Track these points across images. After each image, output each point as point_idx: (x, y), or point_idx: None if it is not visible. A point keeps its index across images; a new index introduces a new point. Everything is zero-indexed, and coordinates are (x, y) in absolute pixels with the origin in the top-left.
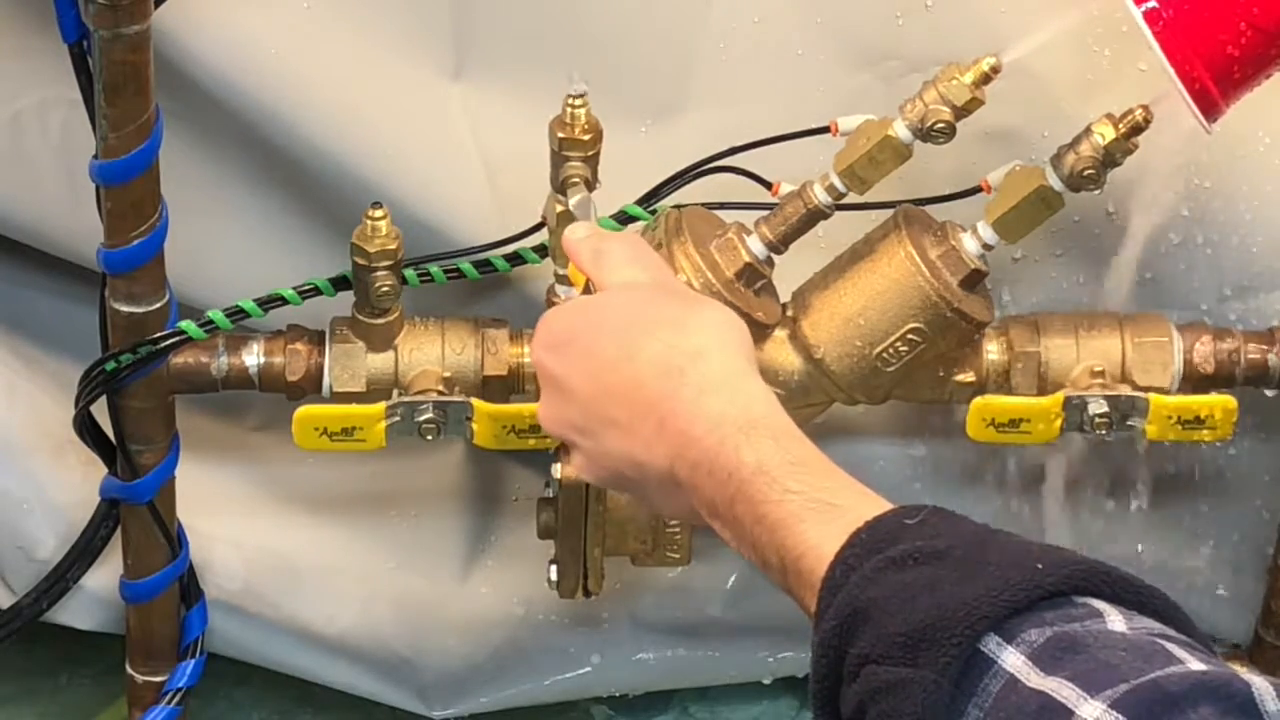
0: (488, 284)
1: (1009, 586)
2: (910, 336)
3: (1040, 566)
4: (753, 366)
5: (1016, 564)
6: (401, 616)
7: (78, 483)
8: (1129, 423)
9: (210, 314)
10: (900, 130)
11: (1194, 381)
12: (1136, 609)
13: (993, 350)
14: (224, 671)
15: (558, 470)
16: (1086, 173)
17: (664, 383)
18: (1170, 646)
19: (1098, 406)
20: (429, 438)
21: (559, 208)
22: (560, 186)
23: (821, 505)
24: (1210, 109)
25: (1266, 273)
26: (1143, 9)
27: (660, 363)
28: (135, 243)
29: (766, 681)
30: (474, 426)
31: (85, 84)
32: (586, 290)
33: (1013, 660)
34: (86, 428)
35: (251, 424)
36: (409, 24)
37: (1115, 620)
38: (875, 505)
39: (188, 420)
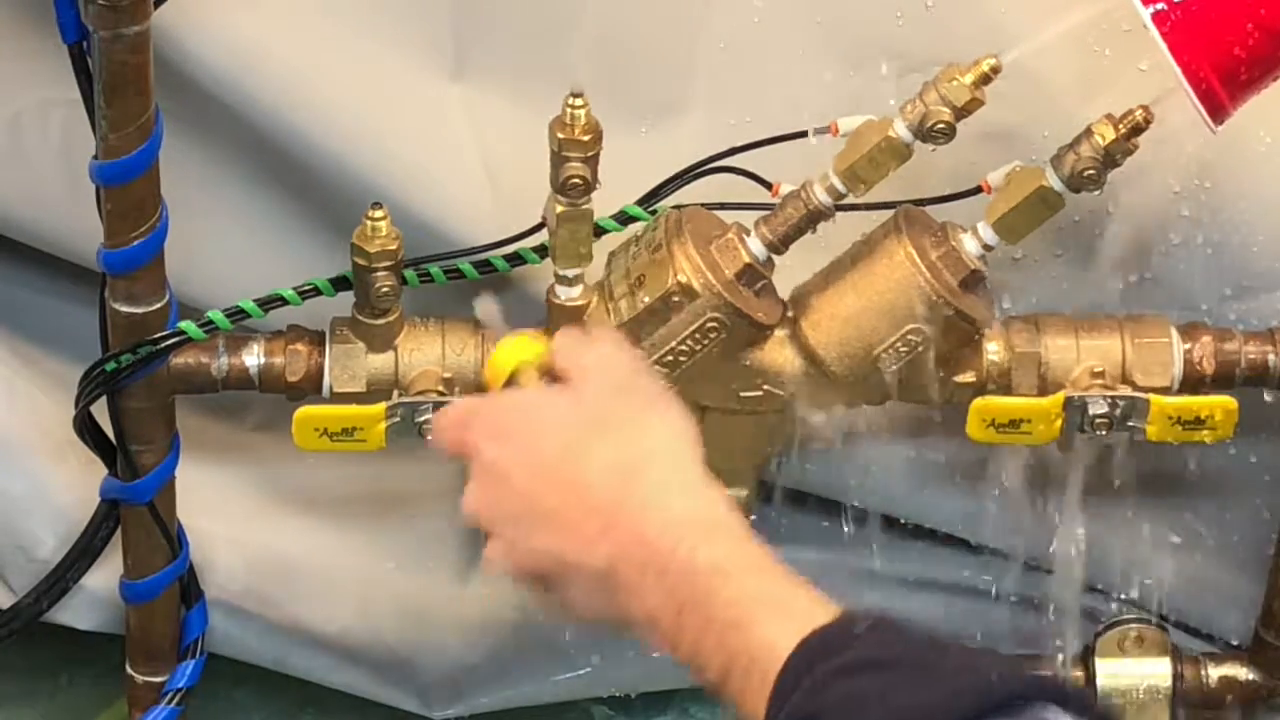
0: (488, 284)
1: (962, 693)
2: (910, 337)
3: (993, 677)
4: (704, 469)
5: (969, 672)
6: (401, 617)
7: (78, 483)
8: (1129, 423)
9: (210, 314)
10: (900, 130)
11: (1194, 382)
12: (1084, 716)
13: (993, 350)
14: (224, 671)
15: None
16: (1087, 173)
17: (616, 484)
18: None
19: (1098, 407)
20: (429, 438)
21: (559, 208)
22: (560, 187)
23: (776, 607)
24: (1217, 110)
25: (1266, 273)
26: (1151, 10)
27: (612, 464)
28: (135, 243)
29: None
30: None
31: (85, 84)
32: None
33: None
34: (86, 428)
35: (251, 424)
36: (409, 24)
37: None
38: (826, 611)
39: (188, 420)
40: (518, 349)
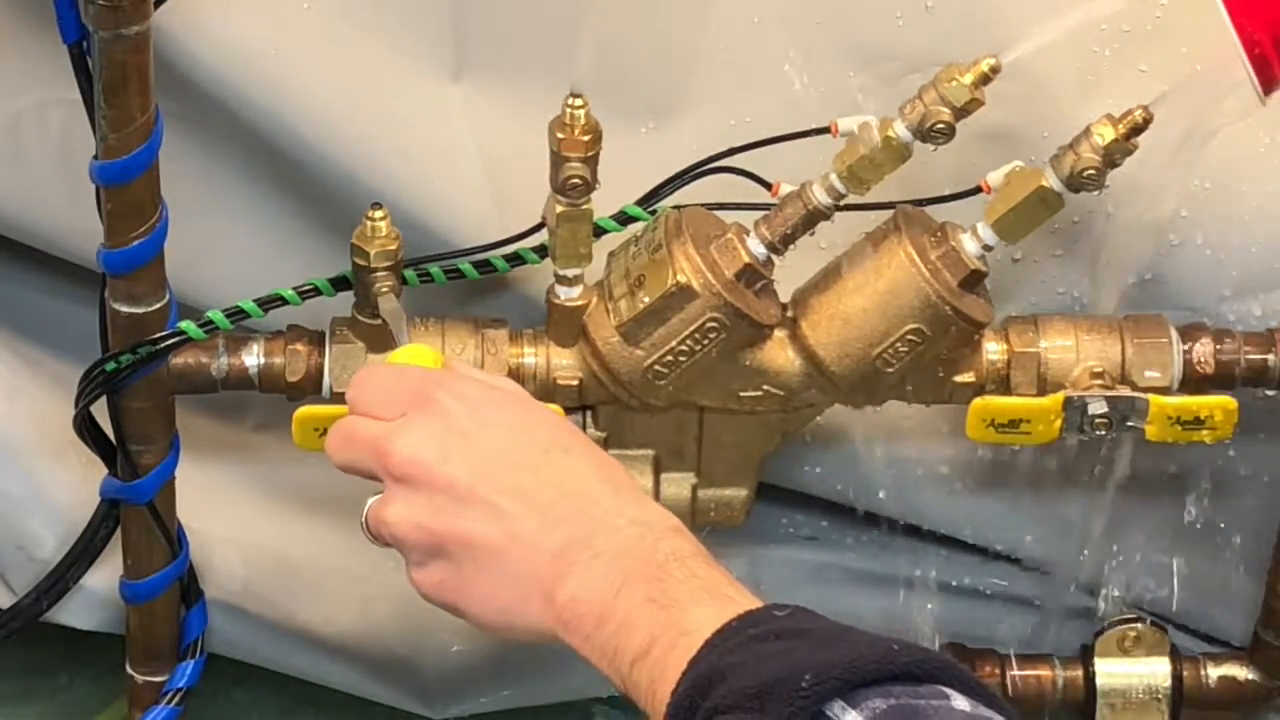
0: (488, 284)
1: (862, 658)
2: (910, 337)
3: (896, 648)
4: None
5: (873, 643)
6: (401, 616)
7: (78, 483)
8: (1129, 423)
9: (210, 314)
10: (900, 131)
11: (1194, 382)
12: (982, 703)
13: (993, 351)
14: (224, 671)
15: None
16: (1086, 174)
17: (597, 480)
18: None
19: (1098, 407)
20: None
21: (559, 208)
22: (560, 187)
23: (720, 595)
24: (1269, 80)
25: (1266, 273)
26: None
27: (597, 465)
28: (135, 243)
29: None
30: None
31: (85, 84)
32: None
33: None
34: (86, 428)
35: (251, 424)
36: (409, 24)
37: (959, 702)
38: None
39: (188, 420)
40: (419, 357)
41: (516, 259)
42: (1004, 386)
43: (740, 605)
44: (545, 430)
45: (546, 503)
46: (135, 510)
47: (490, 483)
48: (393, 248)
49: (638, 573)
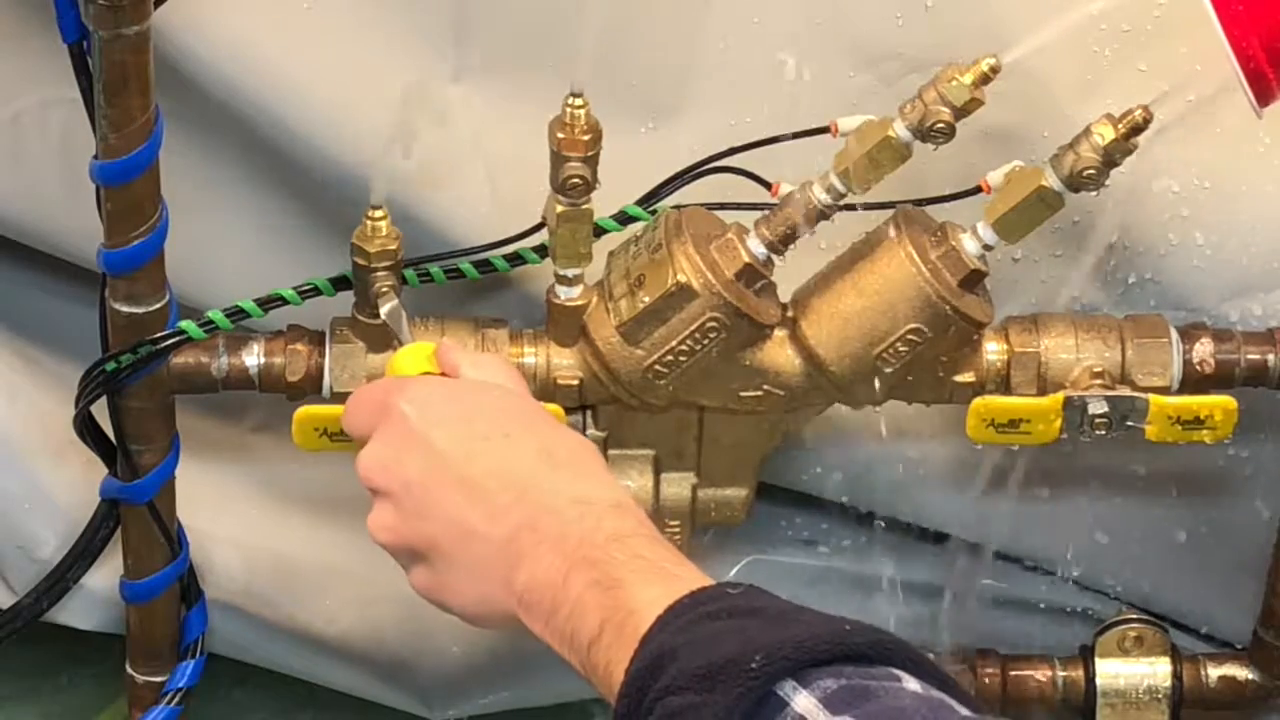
0: (488, 284)
1: (814, 638)
2: (910, 337)
3: (849, 628)
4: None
5: (826, 623)
6: (401, 618)
7: (78, 483)
8: (1128, 423)
9: (210, 314)
10: (900, 131)
11: (1194, 382)
12: (935, 686)
13: (992, 350)
14: (224, 671)
15: None
16: (1086, 173)
17: (539, 466)
18: (958, 706)
19: (1097, 407)
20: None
21: (559, 208)
22: (560, 187)
23: (665, 574)
24: (1264, 92)
25: (1266, 273)
26: None
27: (539, 450)
28: (135, 243)
29: None
30: None
31: (85, 84)
32: None
33: (804, 703)
34: (86, 428)
35: (251, 424)
36: (409, 24)
37: (910, 683)
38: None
39: (188, 420)
40: (420, 357)
41: (516, 259)
42: (1004, 386)
43: (687, 582)
44: (487, 418)
45: (491, 492)
46: (135, 510)
47: (438, 480)
48: (393, 248)
49: (580, 557)
